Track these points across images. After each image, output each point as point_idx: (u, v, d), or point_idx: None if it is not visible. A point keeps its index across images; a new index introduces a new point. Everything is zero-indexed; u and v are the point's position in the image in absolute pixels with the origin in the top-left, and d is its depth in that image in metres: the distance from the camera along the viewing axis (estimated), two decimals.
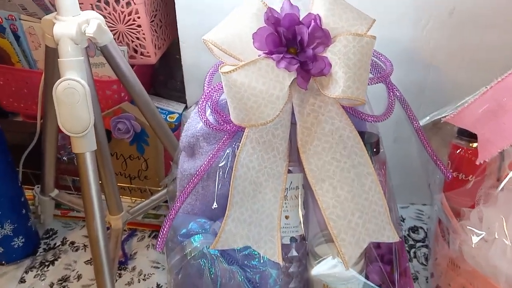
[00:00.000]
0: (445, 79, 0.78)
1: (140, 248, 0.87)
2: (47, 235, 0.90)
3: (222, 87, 0.58)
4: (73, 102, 0.56)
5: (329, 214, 0.55)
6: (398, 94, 0.64)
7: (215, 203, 0.59)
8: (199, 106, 0.57)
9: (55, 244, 0.88)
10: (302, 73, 0.53)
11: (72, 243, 0.88)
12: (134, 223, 0.90)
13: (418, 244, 0.88)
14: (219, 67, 0.52)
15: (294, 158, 0.60)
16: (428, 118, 0.72)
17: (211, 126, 0.57)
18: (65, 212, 0.92)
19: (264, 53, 0.53)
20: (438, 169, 0.71)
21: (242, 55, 0.54)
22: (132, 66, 0.83)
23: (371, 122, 0.60)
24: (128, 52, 0.80)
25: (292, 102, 0.56)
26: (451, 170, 0.67)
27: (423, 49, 0.75)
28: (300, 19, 0.54)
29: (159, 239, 0.58)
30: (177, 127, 0.87)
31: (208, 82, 0.60)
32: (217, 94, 0.59)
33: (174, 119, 0.87)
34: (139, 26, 0.77)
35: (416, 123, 0.65)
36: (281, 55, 0.52)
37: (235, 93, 0.52)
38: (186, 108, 0.91)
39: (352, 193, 0.55)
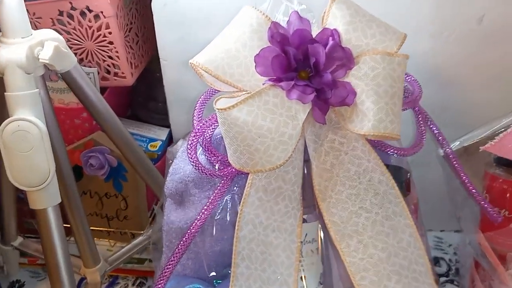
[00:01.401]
0: (471, 97, 0.68)
1: None
2: None
3: (216, 121, 0.46)
4: (26, 148, 0.44)
5: (359, 280, 0.43)
6: (428, 120, 0.53)
7: (212, 273, 0.47)
8: (188, 145, 0.45)
9: None
10: (319, 103, 0.42)
11: None
12: (115, 270, 0.77)
13: (442, 279, 0.77)
14: (214, 102, 0.40)
15: (309, 202, 0.49)
16: (458, 143, 0.61)
17: (203, 170, 0.45)
18: (33, 260, 0.79)
19: (269, 79, 0.41)
20: (470, 201, 0.60)
21: (241, 82, 0.43)
22: (106, 88, 0.71)
23: (399, 156, 0.49)
24: (99, 73, 0.68)
25: (305, 137, 0.45)
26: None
27: (446, 64, 0.64)
28: (313, 35, 0.42)
29: None
30: (160, 157, 0.75)
31: (198, 114, 0.48)
32: (210, 129, 0.47)
33: (157, 148, 0.75)
34: (110, 42, 0.65)
35: (448, 149, 0.55)
36: (292, 83, 0.41)
37: (236, 133, 0.40)
38: (170, 134, 0.79)
39: (387, 251, 0.44)
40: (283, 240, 0.45)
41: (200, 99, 0.48)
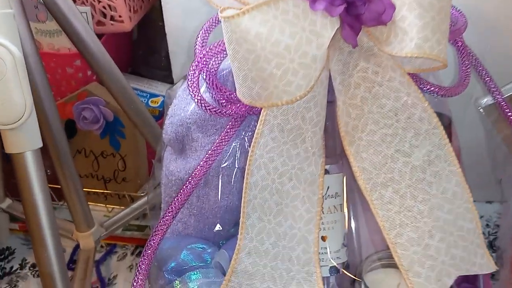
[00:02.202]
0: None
1: (121, 269, 0.69)
2: (2, 256, 0.71)
3: (223, 49, 0.39)
4: None
5: (394, 238, 0.36)
6: (474, 59, 0.45)
7: (218, 226, 0.40)
8: (190, 78, 0.38)
9: (11, 268, 0.69)
10: (350, 19, 0.34)
11: (34, 266, 0.69)
12: (112, 237, 0.71)
13: None
14: (219, 11, 0.33)
15: (330, 151, 0.42)
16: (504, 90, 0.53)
17: (207, 108, 0.37)
18: (25, 226, 0.72)
19: None
20: None
21: None
22: (101, 36, 0.64)
23: (440, 96, 0.41)
24: (93, 16, 0.61)
25: (330, 68, 0.37)
26: None
27: (487, 4, 0.56)
28: None
29: (136, 278, 0.39)
30: (161, 114, 0.68)
31: (202, 42, 0.40)
32: (216, 59, 0.39)
33: (158, 104, 0.68)
34: None
35: (499, 96, 0.46)
36: None
37: (246, 52, 0.32)
38: None
39: (429, 203, 0.36)
40: (302, 191, 0.38)
41: (206, 24, 0.41)
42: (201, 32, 0.41)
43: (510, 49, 0.60)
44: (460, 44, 0.43)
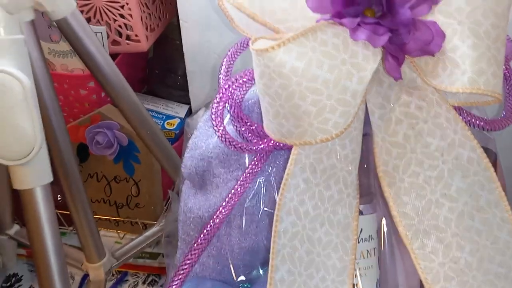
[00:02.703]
0: None
1: None
2: (9, 283, 0.68)
3: (249, 79, 0.36)
4: (5, 107, 0.34)
5: None
6: None
7: (241, 276, 0.37)
8: (213, 111, 0.34)
9: None
10: (393, 49, 0.30)
11: None
12: (124, 265, 0.68)
13: None
14: (250, 42, 0.29)
15: (364, 189, 0.38)
16: None
17: (232, 143, 0.34)
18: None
19: (326, 16, 0.30)
20: None
21: (286, 23, 0.32)
22: (116, 55, 0.61)
23: (486, 130, 0.37)
24: (108, 36, 0.58)
25: (367, 100, 0.34)
26: None
27: None
28: None
29: None
30: (178, 137, 0.65)
31: (226, 71, 0.37)
32: (241, 90, 0.36)
33: (174, 126, 0.65)
34: None
35: None
36: (358, 19, 0.29)
37: (280, 88, 0.29)
38: (190, 111, 0.68)
39: (478, 255, 0.32)
40: (335, 237, 0.34)
41: (230, 52, 0.38)
42: (225, 59, 0.38)
43: None
44: (506, 72, 0.39)
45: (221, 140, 0.34)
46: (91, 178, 0.64)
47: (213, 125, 0.34)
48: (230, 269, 0.40)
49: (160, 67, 0.73)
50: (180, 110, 0.67)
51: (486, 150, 0.40)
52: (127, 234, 0.68)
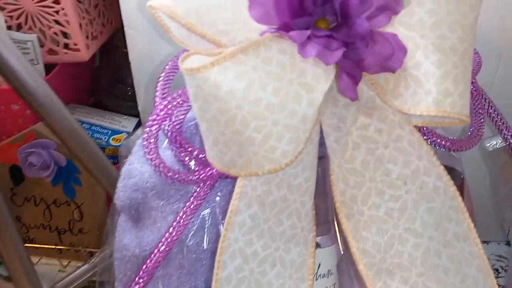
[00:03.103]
0: None
1: None
2: None
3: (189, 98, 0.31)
4: None
5: None
6: (486, 102, 0.38)
7: None
8: (145, 135, 0.30)
9: None
10: (349, 66, 0.27)
11: None
12: None
13: None
14: (181, 59, 0.25)
15: (321, 218, 0.34)
16: None
17: (168, 175, 0.29)
18: None
19: (272, 29, 0.26)
20: None
21: (228, 35, 0.27)
22: (54, 65, 0.56)
23: (452, 151, 0.34)
24: (43, 45, 0.52)
25: (321, 122, 0.30)
26: None
27: (494, 26, 0.50)
28: None
29: None
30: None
31: (163, 89, 0.32)
32: (181, 110, 0.32)
33: (121, 142, 0.59)
34: (56, 2, 0.49)
35: (509, 134, 0.40)
36: (308, 32, 0.25)
37: (217, 112, 0.25)
38: (139, 124, 0.63)
39: None
40: (288, 278, 0.30)
41: (168, 67, 0.33)
42: (162, 74, 0.33)
43: None
44: (473, 88, 0.36)
45: (156, 170, 0.29)
46: (28, 202, 0.58)
47: (146, 152, 0.29)
48: None
49: (107, 77, 0.67)
50: (127, 124, 0.61)
51: (452, 170, 0.37)
52: (72, 261, 0.62)
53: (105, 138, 0.59)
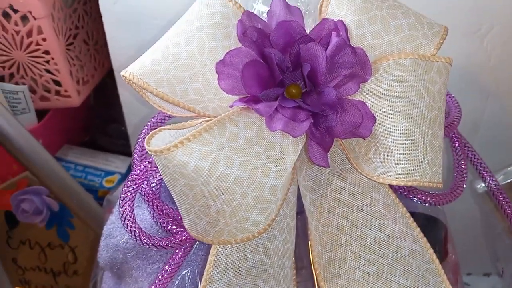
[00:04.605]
0: (510, 113, 0.53)
1: None
2: None
3: None
4: None
5: None
6: (469, 151, 0.38)
7: None
8: (120, 201, 0.30)
9: None
10: (319, 135, 0.27)
11: None
12: None
13: None
14: (146, 138, 0.25)
15: (304, 274, 0.34)
16: (502, 176, 0.46)
17: (145, 241, 0.29)
18: None
19: (240, 100, 0.26)
20: None
21: (200, 104, 0.28)
22: (47, 110, 0.57)
23: (433, 205, 0.34)
24: (35, 93, 0.53)
25: (298, 182, 0.30)
26: None
27: (481, 68, 0.50)
28: (307, 31, 0.28)
29: None
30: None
31: (141, 150, 0.33)
32: (159, 172, 0.32)
33: (114, 183, 0.60)
34: (46, 52, 0.50)
35: (493, 185, 0.40)
36: (275, 104, 0.26)
37: (184, 188, 0.25)
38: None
39: None
40: None
41: (145, 128, 0.33)
42: (141, 136, 0.34)
43: (509, 117, 0.54)
44: (454, 139, 0.36)
45: (131, 236, 0.30)
46: (24, 245, 0.58)
47: (121, 217, 0.30)
48: None
49: (102, 117, 0.68)
50: (121, 165, 0.62)
51: (436, 221, 0.37)
52: None
53: (98, 180, 0.59)
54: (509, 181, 0.47)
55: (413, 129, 0.26)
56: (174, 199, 0.27)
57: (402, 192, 0.32)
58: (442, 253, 0.35)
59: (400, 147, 0.26)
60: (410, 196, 0.32)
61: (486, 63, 0.49)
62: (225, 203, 0.25)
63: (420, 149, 0.26)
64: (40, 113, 0.56)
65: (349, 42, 0.27)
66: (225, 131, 0.24)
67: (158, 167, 0.25)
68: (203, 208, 0.25)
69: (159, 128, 0.26)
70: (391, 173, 0.26)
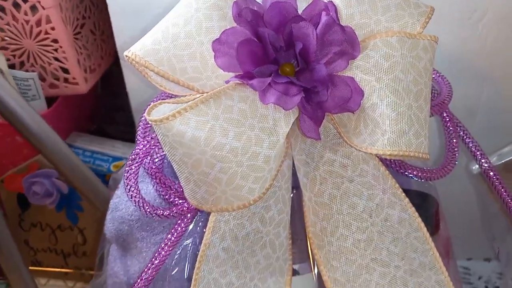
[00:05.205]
0: (505, 97, 0.54)
1: None
2: None
3: None
4: None
5: None
6: (459, 128, 0.40)
7: None
8: (125, 173, 0.32)
9: None
10: (310, 109, 0.28)
11: None
12: None
13: None
14: (147, 109, 0.27)
15: (300, 245, 0.36)
16: (496, 157, 0.48)
17: (149, 211, 0.31)
18: None
19: (236, 76, 0.28)
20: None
21: (199, 81, 0.30)
22: (56, 97, 0.59)
23: (424, 180, 0.35)
24: (45, 80, 0.55)
25: (293, 156, 0.32)
26: None
27: (476, 54, 0.51)
28: (299, 11, 0.29)
29: None
30: None
31: (144, 127, 0.35)
32: (161, 148, 0.34)
33: (119, 169, 0.62)
34: (54, 40, 0.52)
35: (486, 164, 0.41)
36: (269, 79, 0.27)
37: (183, 157, 0.27)
38: None
39: None
40: None
41: (146, 109, 0.35)
42: (144, 115, 0.35)
43: (505, 101, 0.55)
44: (446, 118, 0.38)
45: (137, 207, 0.31)
46: (35, 227, 0.61)
47: (126, 189, 0.32)
48: None
49: (109, 105, 0.70)
50: (127, 151, 0.63)
51: (427, 197, 0.38)
52: (77, 283, 0.64)
53: (106, 165, 0.62)
54: (503, 161, 0.48)
55: (399, 102, 0.27)
56: (175, 169, 0.29)
57: (395, 168, 0.34)
58: (433, 227, 0.37)
59: (387, 119, 0.27)
60: (402, 171, 0.34)
61: (481, 49, 0.50)
62: (222, 171, 0.27)
63: (405, 120, 0.27)
64: (49, 101, 0.58)
65: (339, 21, 0.28)
66: (220, 103, 0.26)
67: (158, 136, 0.27)
68: (201, 176, 0.27)
69: (159, 101, 0.28)
70: (378, 143, 0.28)
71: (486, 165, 0.41)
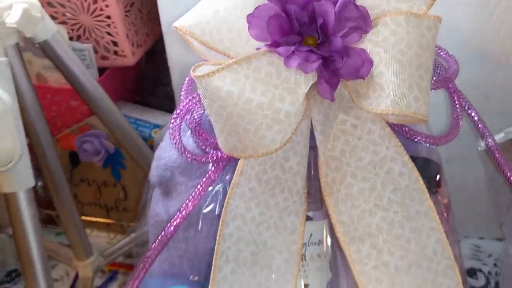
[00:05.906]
0: None
1: None
2: (8, 278, 0.73)
3: None
4: None
5: None
6: (466, 104, 0.44)
7: (196, 277, 0.40)
8: (171, 125, 0.38)
9: None
10: (327, 75, 0.34)
11: None
12: (115, 264, 0.72)
13: None
14: (192, 68, 0.33)
15: (315, 197, 0.41)
16: (503, 134, 0.52)
17: (189, 156, 0.38)
18: None
19: (265, 45, 0.34)
20: None
21: (233, 50, 0.35)
22: (106, 68, 0.66)
23: (428, 145, 0.40)
24: (97, 52, 0.62)
25: (311, 117, 0.37)
26: None
27: (491, 41, 0.55)
28: None
29: None
30: None
31: (187, 89, 0.41)
32: (200, 106, 0.40)
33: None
34: (108, 17, 0.59)
35: (490, 141, 0.45)
36: (293, 48, 0.33)
37: (219, 109, 0.33)
38: None
39: (407, 260, 0.35)
40: (281, 240, 0.38)
41: (190, 73, 0.41)
42: (187, 78, 0.42)
43: None
44: (452, 91, 0.42)
45: (179, 152, 0.38)
46: (83, 183, 0.69)
47: (171, 138, 0.38)
48: (195, 268, 0.44)
49: (152, 79, 0.77)
50: (167, 120, 0.70)
51: (430, 161, 0.43)
52: (118, 235, 0.72)
53: (148, 131, 0.69)
54: (510, 138, 0.52)
55: (402, 70, 0.32)
56: (211, 120, 0.35)
57: (405, 134, 0.39)
58: (434, 186, 0.42)
59: (391, 84, 0.32)
60: (410, 137, 0.39)
61: (496, 37, 0.54)
62: (250, 123, 0.33)
63: (407, 86, 0.32)
64: (100, 71, 0.66)
65: (354, 0, 0.34)
66: (251, 65, 0.32)
67: (199, 90, 0.33)
68: (233, 126, 0.33)
69: (202, 62, 0.34)
70: (382, 104, 0.33)
71: (490, 141, 0.45)
